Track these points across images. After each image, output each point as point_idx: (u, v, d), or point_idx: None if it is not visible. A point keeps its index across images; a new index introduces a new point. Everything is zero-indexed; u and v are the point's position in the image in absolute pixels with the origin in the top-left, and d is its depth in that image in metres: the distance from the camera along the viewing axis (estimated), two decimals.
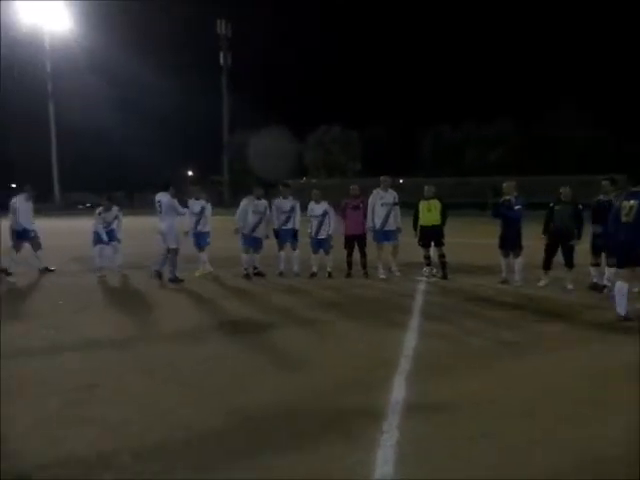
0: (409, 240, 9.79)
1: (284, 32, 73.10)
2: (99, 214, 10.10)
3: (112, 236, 10.16)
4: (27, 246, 10.38)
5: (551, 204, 8.61)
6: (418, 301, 7.53)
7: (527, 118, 50.70)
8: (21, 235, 10.16)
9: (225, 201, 49.52)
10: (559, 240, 8.37)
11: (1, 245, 10.53)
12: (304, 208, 9.96)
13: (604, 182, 8.13)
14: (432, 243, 9.44)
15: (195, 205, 9.91)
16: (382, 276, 9.44)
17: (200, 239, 9.93)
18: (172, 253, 9.22)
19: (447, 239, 9.46)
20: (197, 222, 9.87)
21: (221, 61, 56.51)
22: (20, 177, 35.69)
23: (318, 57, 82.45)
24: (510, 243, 8.76)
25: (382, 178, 9.87)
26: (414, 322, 6.23)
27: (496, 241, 9.01)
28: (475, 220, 22.90)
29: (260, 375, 4.46)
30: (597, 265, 8.21)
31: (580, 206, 8.32)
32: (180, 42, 64.12)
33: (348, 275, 9.57)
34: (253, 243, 9.73)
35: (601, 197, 8.09)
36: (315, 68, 79.56)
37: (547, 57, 64.49)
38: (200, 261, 9.99)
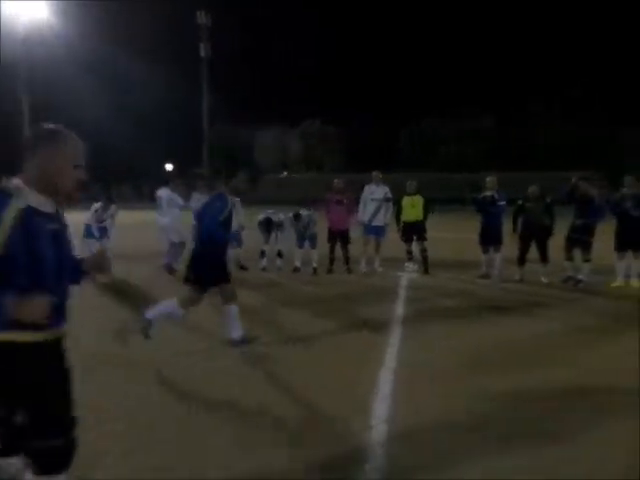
0: (391, 236, 9.88)
1: (266, 24, 72.73)
2: (95, 211, 9.78)
3: (103, 233, 9.98)
4: None
5: (519, 202, 8.77)
6: (401, 296, 7.61)
7: (507, 114, 51.54)
8: None
9: None
10: (532, 236, 8.56)
11: None
12: (299, 204, 9.99)
13: (627, 177, 8.24)
14: (414, 238, 9.57)
15: (199, 200, 9.86)
16: (364, 270, 9.51)
17: None
18: (175, 246, 9.35)
19: (429, 234, 9.60)
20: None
21: (201, 52, 55.73)
22: None
23: (301, 52, 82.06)
24: (491, 238, 8.92)
25: (374, 174, 9.95)
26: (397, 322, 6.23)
27: (476, 237, 9.16)
28: (457, 216, 23.11)
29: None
30: (571, 260, 8.44)
31: (548, 200, 8.56)
32: (160, 32, 63.17)
33: (329, 271, 9.54)
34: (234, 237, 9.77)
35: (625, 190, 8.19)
36: (298, 63, 79.26)
37: (528, 54, 65.49)
38: None
